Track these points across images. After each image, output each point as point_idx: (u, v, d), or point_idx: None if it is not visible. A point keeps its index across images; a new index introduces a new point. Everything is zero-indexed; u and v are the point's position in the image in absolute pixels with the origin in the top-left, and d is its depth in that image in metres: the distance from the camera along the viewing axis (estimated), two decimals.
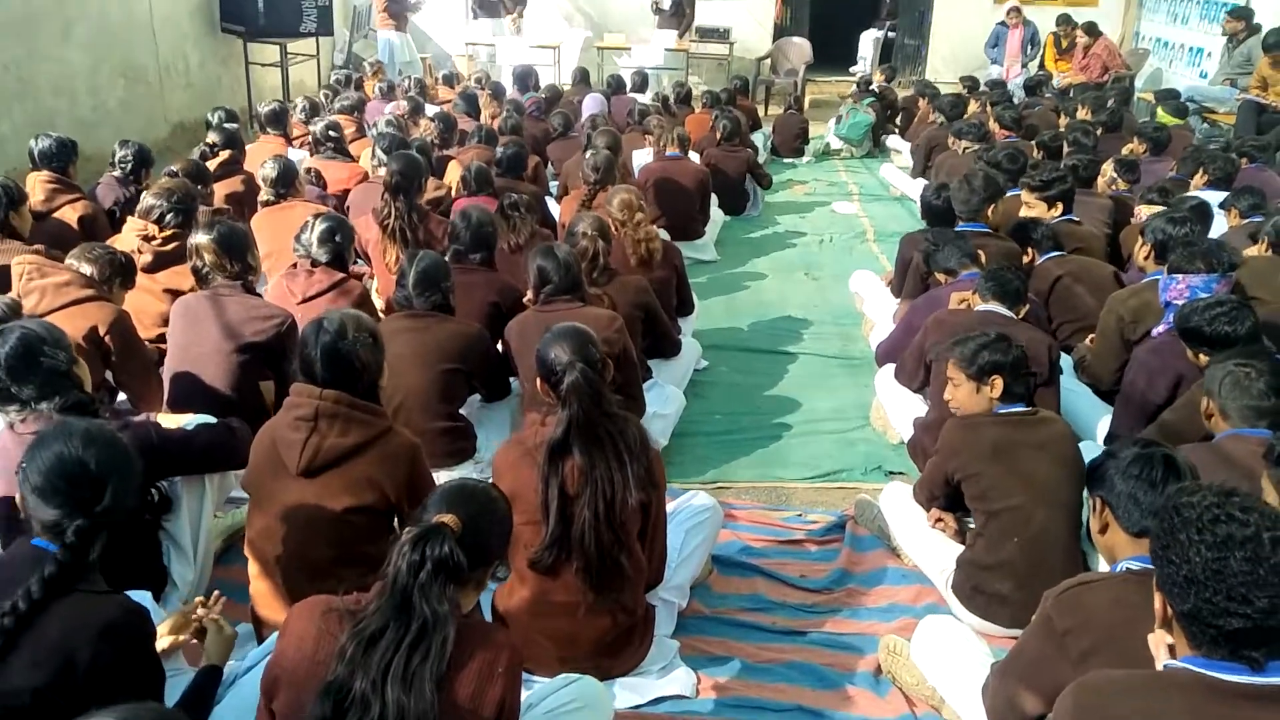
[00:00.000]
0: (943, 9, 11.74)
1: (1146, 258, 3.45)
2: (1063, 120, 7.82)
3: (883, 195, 7.67)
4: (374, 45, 10.69)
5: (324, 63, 11.02)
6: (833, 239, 6.43)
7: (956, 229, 4.12)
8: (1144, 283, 3.37)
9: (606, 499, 1.99)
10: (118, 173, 4.45)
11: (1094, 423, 3.28)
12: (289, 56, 9.61)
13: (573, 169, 5.97)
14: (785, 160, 8.79)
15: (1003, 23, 10.70)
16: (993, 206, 4.22)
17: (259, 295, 3.00)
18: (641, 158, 6.36)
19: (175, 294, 3.34)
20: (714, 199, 6.55)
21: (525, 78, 8.74)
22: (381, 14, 9.93)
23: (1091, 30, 9.91)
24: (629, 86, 8.92)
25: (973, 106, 8.86)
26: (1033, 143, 6.55)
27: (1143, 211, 4.80)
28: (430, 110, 7.59)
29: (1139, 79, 10.32)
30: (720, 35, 11.35)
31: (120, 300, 3.02)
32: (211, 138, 4.95)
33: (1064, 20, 10.41)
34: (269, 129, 5.67)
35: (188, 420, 2.44)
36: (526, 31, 11.49)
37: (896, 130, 9.39)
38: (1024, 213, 4.38)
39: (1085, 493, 2.27)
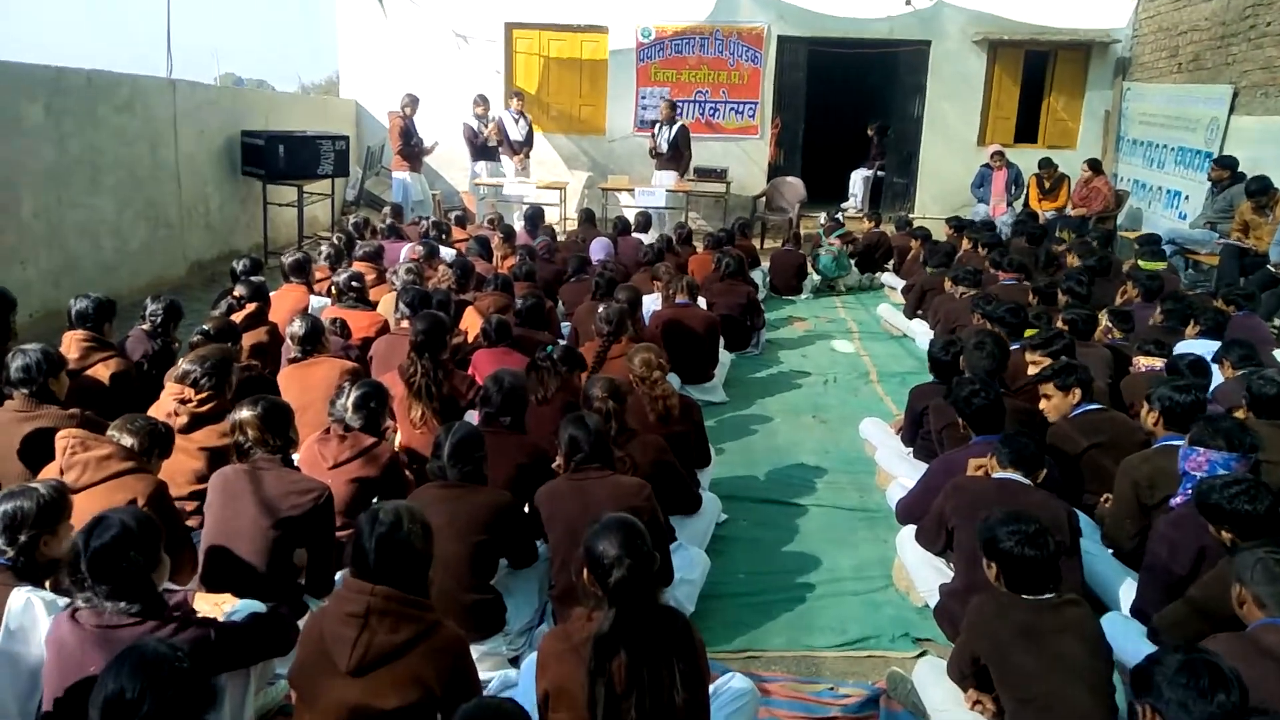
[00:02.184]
0: (930, 150, 12.32)
1: (1155, 424, 3.56)
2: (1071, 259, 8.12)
3: (881, 334, 7.87)
4: (386, 182, 11.12)
5: (337, 200, 11.43)
6: (836, 379, 6.57)
7: None
8: (1158, 448, 3.46)
9: (655, 698, 2.00)
10: (147, 326, 4.56)
11: (1116, 588, 3.30)
12: (305, 196, 9.99)
13: (585, 316, 6.14)
14: (784, 296, 9.05)
15: (987, 165, 11.22)
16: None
17: (295, 467, 3.06)
18: (650, 303, 6.55)
19: (209, 451, 3.41)
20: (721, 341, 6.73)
21: (534, 219, 9.07)
22: (396, 155, 10.36)
23: (1095, 167, 10.44)
24: (634, 227, 9.25)
25: (964, 244, 9.23)
26: (1027, 285, 6.83)
27: (1141, 362, 4.97)
28: (446, 252, 7.87)
29: (1120, 218, 10.79)
30: (717, 175, 11.85)
31: (158, 469, 3.08)
32: (239, 291, 5.10)
33: (1046, 163, 10.94)
34: (292, 278, 5.85)
35: (232, 608, 2.45)
36: (533, 172, 11.98)
37: (890, 269, 9.71)
38: (1029, 370, 4.51)
39: (1119, 681, 2.28)
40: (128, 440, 2.98)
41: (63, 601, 2.24)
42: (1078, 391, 3.95)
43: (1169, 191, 10.20)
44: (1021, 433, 3.39)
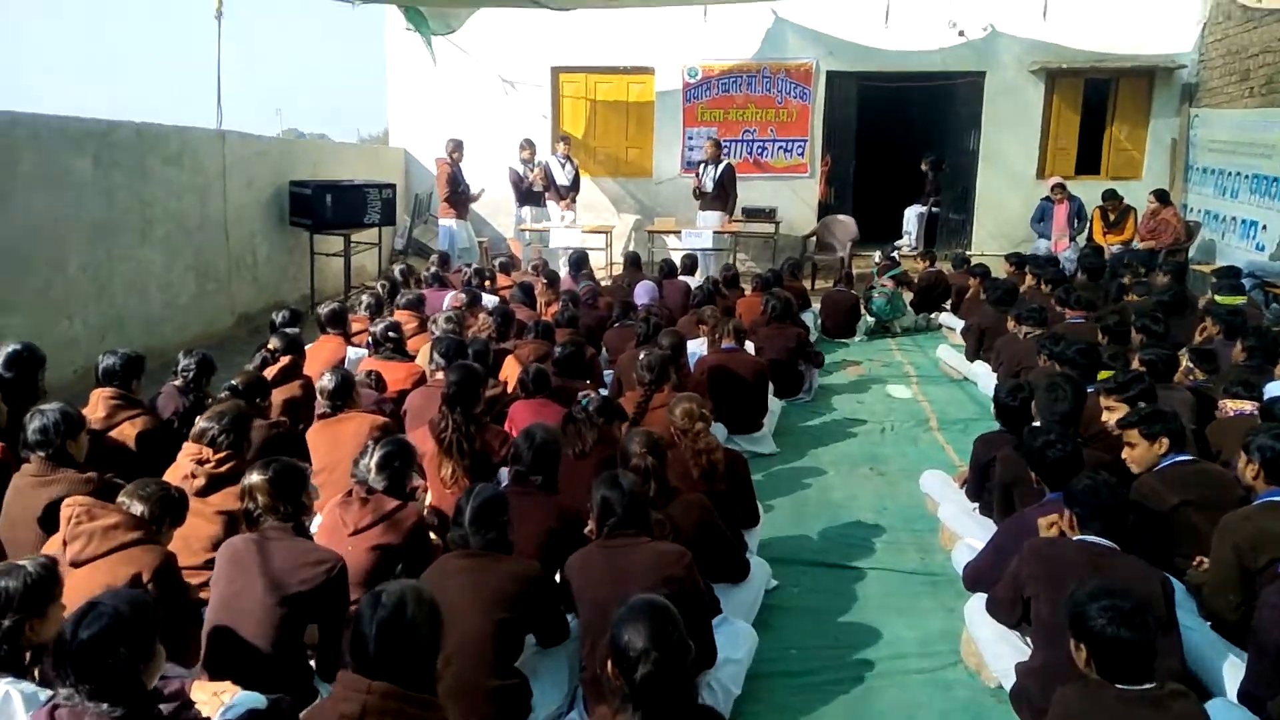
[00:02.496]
0: (986, 185, 11.95)
1: (1255, 477, 3.19)
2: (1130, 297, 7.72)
3: (940, 378, 7.50)
4: (434, 230, 11.14)
5: (385, 249, 11.48)
6: (894, 427, 6.23)
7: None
8: (1260, 505, 3.10)
9: None
10: (179, 382, 4.47)
11: (1220, 668, 2.93)
12: (352, 245, 10.02)
13: (627, 364, 5.92)
14: (837, 340, 8.74)
15: (1047, 198, 10.81)
16: None
17: (309, 537, 2.87)
18: (696, 348, 6.32)
19: (227, 515, 3.25)
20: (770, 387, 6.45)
21: (579, 263, 8.94)
22: (443, 203, 10.37)
23: (1162, 198, 10.00)
24: (680, 270, 9.05)
25: (1027, 280, 8.84)
26: (1097, 326, 6.43)
27: (1229, 406, 4.56)
28: (489, 300, 7.75)
29: (1191, 250, 10.26)
30: (766, 215, 11.64)
31: (169, 538, 2.92)
32: (273, 343, 5.01)
33: (1110, 195, 10.50)
34: (329, 329, 5.76)
35: (231, 700, 2.24)
36: (579, 216, 11.92)
37: (948, 308, 9.34)
38: (1105, 417, 4.16)
39: None
40: (138, 508, 2.83)
41: (44, 694, 2.06)
42: (1165, 441, 3.59)
43: (1244, 222, 9.67)
44: (1096, 483, 3.01)
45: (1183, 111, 11.36)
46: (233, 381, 4.14)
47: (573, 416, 3.85)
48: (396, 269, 7.90)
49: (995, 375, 6.74)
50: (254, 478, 2.75)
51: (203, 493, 3.25)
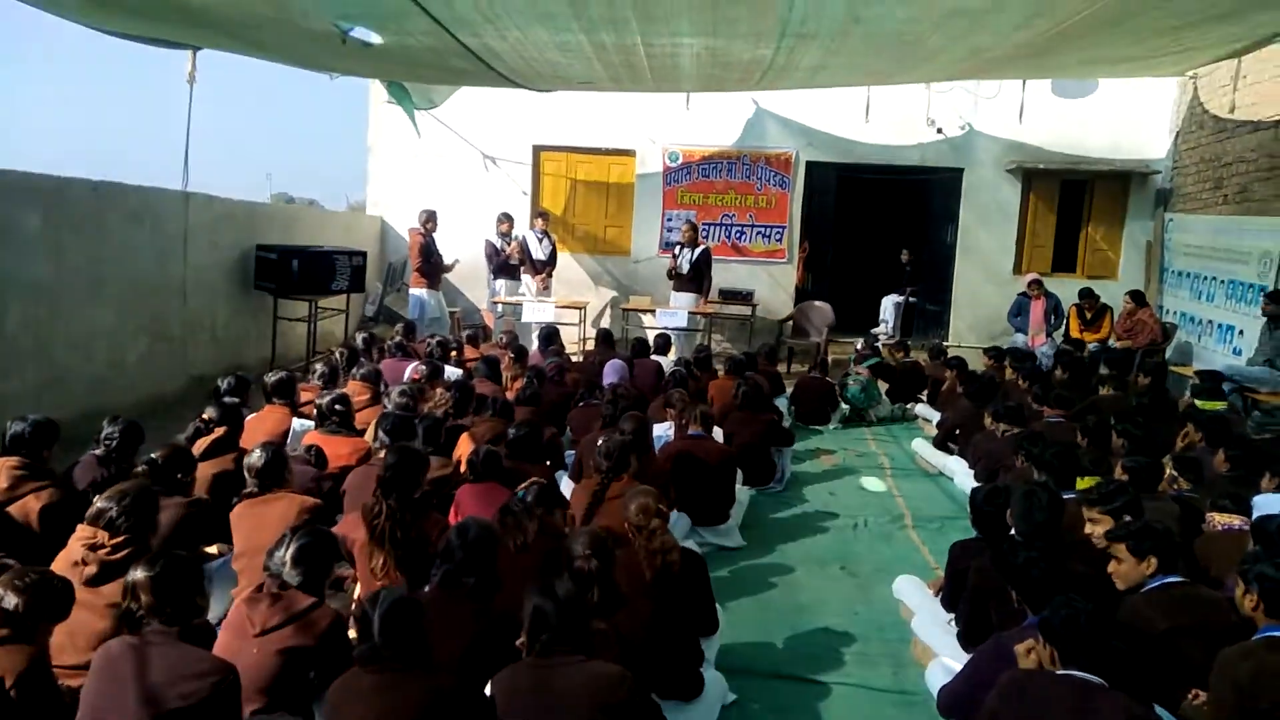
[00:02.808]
0: (963, 277, 11.96)
1: (1255, 608, 2.93)
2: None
3: (915, 471, 7.26)
4: (406, 299, 10.92)
5: (353, 316, 11.22)
6: (867, 523, 5.94)
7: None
8: (1260, 641, 2.83)
9: None
10: (100, 450, 4.14)
11: None
12: (319, 311, 9.76)
13: (589, 447, 5.64)
14: (810, 427, 8.51)
15: (1024, 293, 10.80)
16: None
17: (198, 645, 2.52)
18: (662, 431, 6.06)
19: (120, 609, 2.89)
20: (739, 475, 6.18)
21: (549, 339, 8.72)
22: (415, 273, 10.18)
23: (1138, 299, 10.01)
24: (653, 349, 8.84)
25: (1006, 374, 8.71)
26: (1076, 426, 6.26)
27: (1216, 520, 4.34)
28: (452, 372, 7.48)
29: (1168, 351, 10.22)
30: (743, 297, 11.53)
31: (46, 635, 2.57)
32: (208, 413, 4.70)
33: (1087, 294, 10.48)
34: (275, 398, 5.46)
35: None
36: (555, 290, 11.76)
37: (924, 399, 9.17)
38: (1088, 529, 3.91)
39: None
40: (11, 601, 2.49)
41: None
42: (1154, 560, 3.34)
43: (1220, 326, 9.65)
44: (1075, 612, 2.71)
45: (1157, 215, 11.48)
46: (152, 455, 3.81)
47: (510, 509, 3.55)
48: (359, 337, 7.64)
49: (971, 472, 6.52)
50: (137, 573, 2.42)
51: (93, 582, 2.91)
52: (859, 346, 9.73)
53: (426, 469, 3.93)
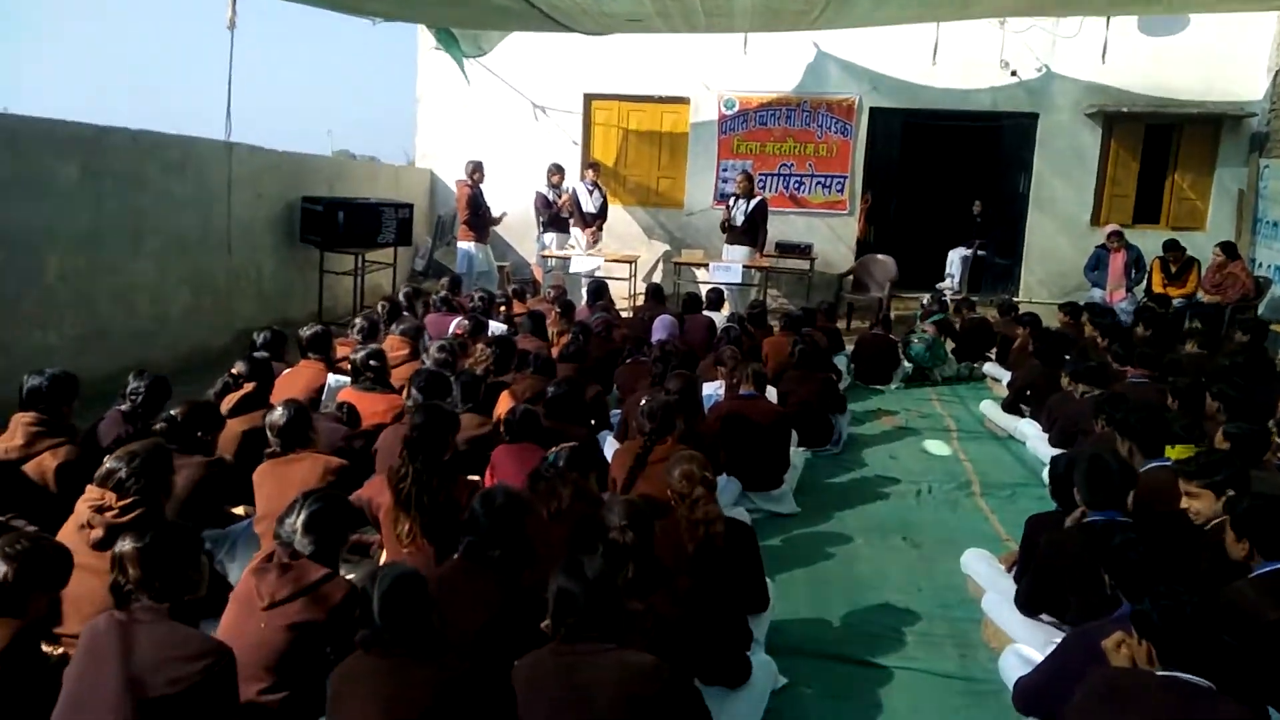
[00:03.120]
0: (1037, 228, 11.29)
1: None
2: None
3: (984, 434, 6.83)
4: (454, 252, 10.71)
5: (401, 270, 11.07)
6: (931, 489, 5.57)
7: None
8: None
9: None
10: (125, 406, 3.99)
11: None
12: (366, 265, 9.62)
13: (634, 406, 5.36)
14: (871, 386, 8.10)
15: (1103, 246, 10.12)
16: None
17: (193, 624, 2.30)
18: (713, 391, 5.74)
19: None
20: (794, 437, 5.85)
21: (597, 292, 8.43)
22: (462, 226, 9.95)
23: (1230, 251, 9.32)
24: (705, 304, 8.48)
25: (1086, 331, 8.19)
26: (1164, 388, 5.77)
27: None
28: (496, 327, 7.25)
29: (1260, 307, 9.50)
30: (801, 251, 11.07)
31: (41, 607, 2.39)
32: (237, 367, 4.52)
33: (1172, 245, 9.78)
34: (310, 353, 5.27)
35: None
36: (605, 244, 11.45)
37: (992, 358, 8.67)
38: (1185, 503, 3.50)
39: None
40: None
41: None
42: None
43: None
44: (1178, 604, 2.34)
45: (1252, 161, 10.64)
46: (171, 411, 3.63)
47: (540, 474, 3.29)
48: (401, 291, 7.44)
49: (1045, 437, 6.08)
50: (124, 544, 2.21)
51: (101, 546, 2.73)
52: (924, 302, 9.22)
53: (456, 429, 3.69)
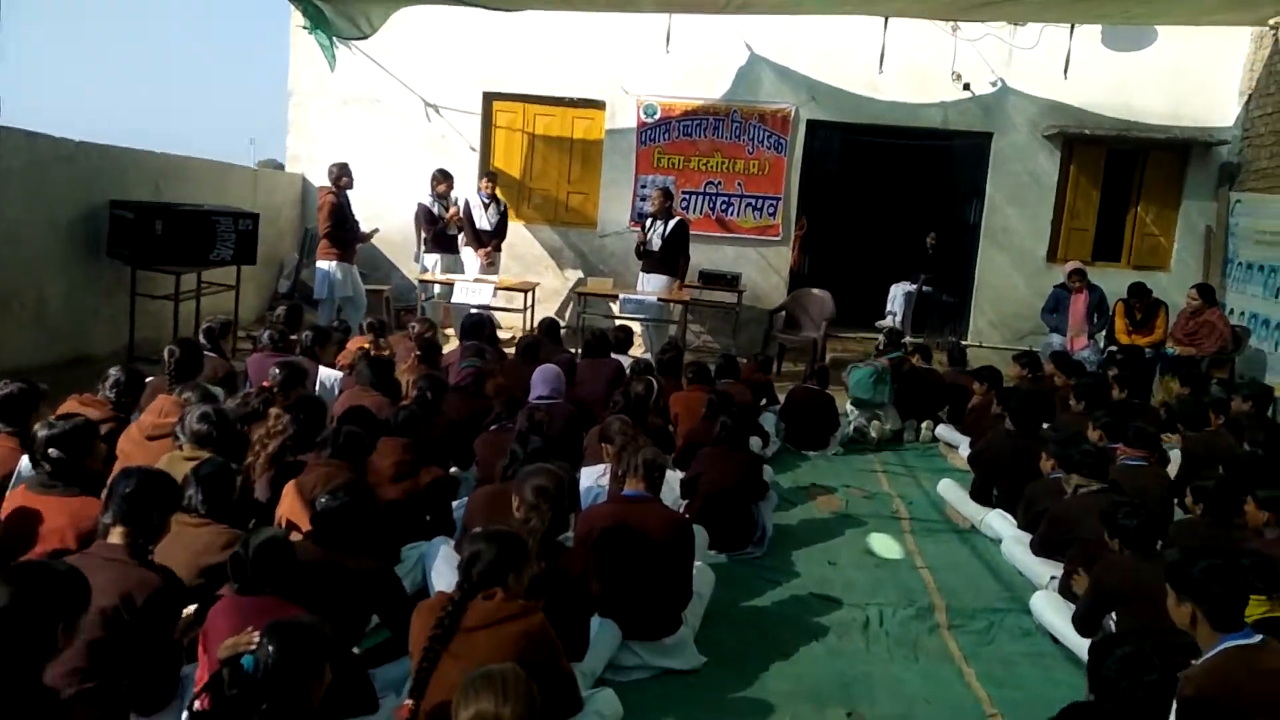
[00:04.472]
0: (989, 263, 10.13)
1: None
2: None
3: (942, 526, 5.45)
4: None
5: (253, 295, 9.35)
6: (883, 619, 4.13)
7: None
8: None
9: None
10: None
11: None
12: (203, 286, 7.90)
13: (480, 505, 3.84)
14: (803, 452, 6.69)
15: (1063, 285, 8.98)
16: None
17: None
18: (593, 481, 4.23)
19: None
20: (702, 536, 4.39)
21: (476, 329, 6.87)
22: (323, 240, 8.28)
23: (1206, 295, 8.20)
24: (610, 344, 6.98)
25: (1056, 380, 7.02)
26: (1159, 473, 4.51)
27: None
28: (328, 376, 5.65)
29: (1236, 361, 8.43)
30: (728, 282, 9.68)
31: None
32: None
33: (1139, 290, 8.64)
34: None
35: None
36: (507, 266, 9.92)
37: (944, 417, 7.36)
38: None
39: None
40: None
41: None
42: None
43: None
44: None
45: (1221, 195, 9.65)
46: None
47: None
48: (204, 325, 5.75)
49: (1023, 539, 4.72)
50: None
51: None
52: (882, 340, 7.84)
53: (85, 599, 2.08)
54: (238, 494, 3.41)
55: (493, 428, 4.92)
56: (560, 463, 3.62)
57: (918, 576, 4.67)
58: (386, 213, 10.04)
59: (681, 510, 4.71)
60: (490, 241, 9.24)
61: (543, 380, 5.42)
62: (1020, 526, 4.90)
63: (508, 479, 3.68)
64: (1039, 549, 4.49)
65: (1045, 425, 5.81)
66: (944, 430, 7.13)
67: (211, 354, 5.58)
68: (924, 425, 7.29)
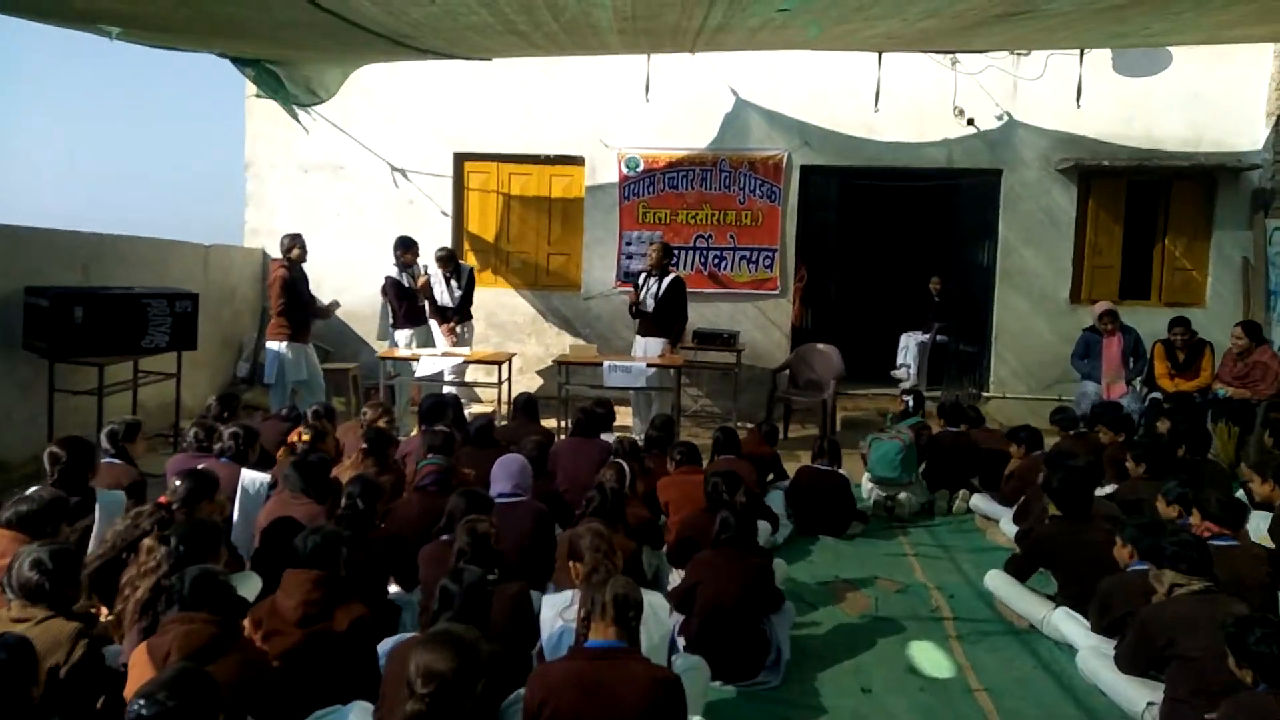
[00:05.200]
0: (1007, 308, 9.30)
1: None
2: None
3: (996, 626, 4.51)
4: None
5: (205, 382, 8.54)
6: None
7: None
8: None
9: None
10: None
11: None
12: (140, 376, 7.10)
13: (394, 668, 2.92)
14: (820, 538, 5.77)
15: (1093, 329, 8.15)
16: None
17: None
18: (555, 614, 3.32)
19: None
20: (702, 673, 3.48)
21: (436, 411, 6.01)
22: (276, 318, 7.47)
23: (1253, 333, 7.37)
24: (593, 422, 6.10)
25: (1104, 437, 6.17)
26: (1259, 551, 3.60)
27: None
28: (251, 480, 4.78)
29: None
30: (725, 340, 8.88)
31: None
32: None
33: (1180, 323, 7.80)
34: None
35: None
36: (485, 339, 9.14)
37: (977, 484, 6.45)
38: None
39: None
40: None
41: None
42: None
43: None
44: None
45: (1256, 223, 8.88)
46: None
47: None
48: (108, 426, 4.91)
49: (1105, 649, 3.79)
50: None
51: None
52: (903, 397, 6.93)
53: None
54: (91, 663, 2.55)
55: (444, 537, 4.04)
56: (470, 628, 2.67)
57: (974, 704, 3.72)
58: (354, 284, 9.37)
59: (675, 628, 3.82)
60: (452, 318, 8.43)
61: (505, 474, 4.54)
62: (1094, 629, 3.97)
63: (434, 624, 2.79)
64: (1128, 665, 3.57)
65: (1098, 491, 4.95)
66: (980, 501, 6.22)
67: (115, 460, 4.75)
68: (957, 496, 6.38)
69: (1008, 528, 5.66)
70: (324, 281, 9.25)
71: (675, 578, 4.49)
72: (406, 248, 8.24)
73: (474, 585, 2.86)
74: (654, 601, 3.29)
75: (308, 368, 7.53)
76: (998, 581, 4.64)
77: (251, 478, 4.68)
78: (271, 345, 7.42)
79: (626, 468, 4.65)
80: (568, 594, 3.27)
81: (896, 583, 5.05)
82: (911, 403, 6.86)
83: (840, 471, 5.89)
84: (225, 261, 9.15)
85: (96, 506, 4.17)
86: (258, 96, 8.56)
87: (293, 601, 3.17)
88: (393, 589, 4.16)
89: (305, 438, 5.25)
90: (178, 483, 4.08)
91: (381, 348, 8.78)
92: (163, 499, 4.04)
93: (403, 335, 8.37)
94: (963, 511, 6.34)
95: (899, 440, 6.19)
